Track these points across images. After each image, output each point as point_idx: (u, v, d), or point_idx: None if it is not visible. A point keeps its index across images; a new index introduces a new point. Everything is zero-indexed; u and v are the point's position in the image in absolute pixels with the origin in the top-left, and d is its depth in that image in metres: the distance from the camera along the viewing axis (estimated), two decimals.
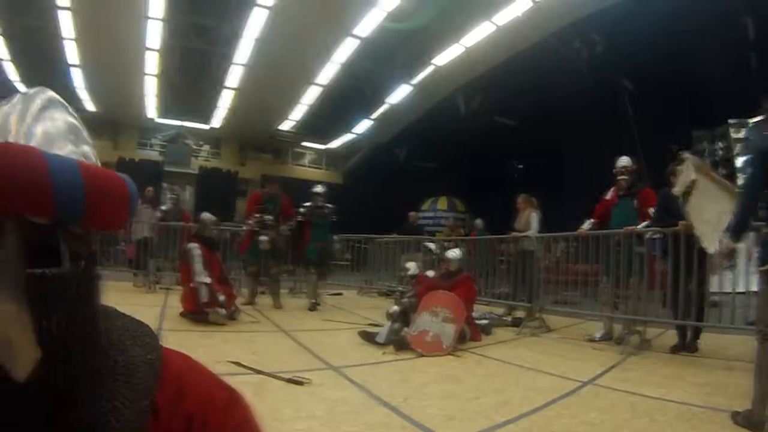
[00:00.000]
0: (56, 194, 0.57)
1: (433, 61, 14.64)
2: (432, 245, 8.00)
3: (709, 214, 4.58)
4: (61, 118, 0.66)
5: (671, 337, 5.62)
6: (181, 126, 20.30)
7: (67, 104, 0.70)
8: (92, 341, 0.63)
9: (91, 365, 0.62)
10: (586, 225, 6.55)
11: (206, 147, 22.19)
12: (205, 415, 0.72)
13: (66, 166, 0.59)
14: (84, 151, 0.65)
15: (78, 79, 16.73)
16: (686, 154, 4.99)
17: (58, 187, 0.57)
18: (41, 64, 15.75)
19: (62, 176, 0.58)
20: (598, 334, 6.10)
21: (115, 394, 0.65)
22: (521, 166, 18.94)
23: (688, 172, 4.71)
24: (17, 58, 15.51)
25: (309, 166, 24.04)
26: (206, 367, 0.80)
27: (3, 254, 0.54)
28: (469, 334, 5.73)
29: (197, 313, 5.83)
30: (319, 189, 8.52)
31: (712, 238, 4.46)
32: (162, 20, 13.33)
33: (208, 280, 5.97)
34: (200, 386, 0.76)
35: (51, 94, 0.68)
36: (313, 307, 7.78)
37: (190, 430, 0.70)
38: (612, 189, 6.44)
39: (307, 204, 8.33)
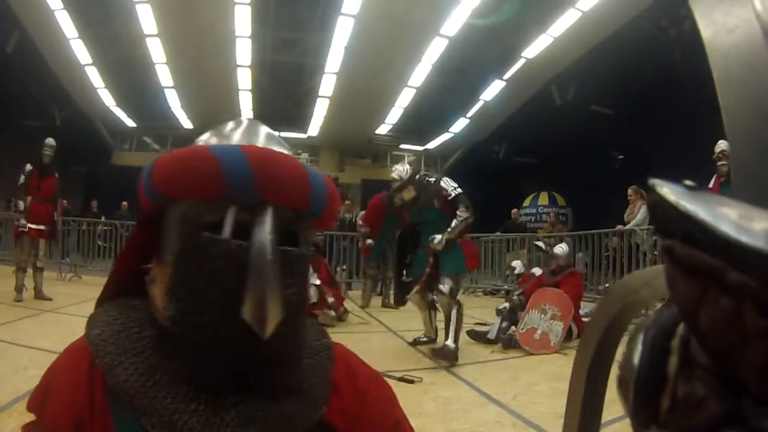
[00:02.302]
0: (311, 193, 0.74)
1: (523, 54, 14.38)
2: (541, 243, 7.86)
3: None
4: (268, 131, 0.84)
5: None
6: (279, 136, 21.03)
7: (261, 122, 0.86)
8: (305, 314, 0.78)
9: (302, 334, 0.78)
10: None
11: (305, 155, 22.81)
12: (369, 390, 0.86)
13: (316, 174, 0.76)
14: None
15: (173, 99, 17.60)
16: None
17: (313, 189, 0.74)
18: (136, 90, 16.77)
19: (315, 181, 0.75)
20: None
21: (306, 366, 0.79)
22: (621, 157, 18.14)
23: None
24: (112, 86, 16.47)
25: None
26: (352, 351, 0.95)
27: (269, 231, 0.68)
28: (577, 331, 5.62)
29: (306, 315, 6.00)
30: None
31: None
32: (249, 37, 13.82)
33: (317, 281, 6.15)
34: (362, 366, 0.91)
35: (250, 117, 0.86)
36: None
37: (364, 403, 0.83)
38: (714, 177, 6.06)
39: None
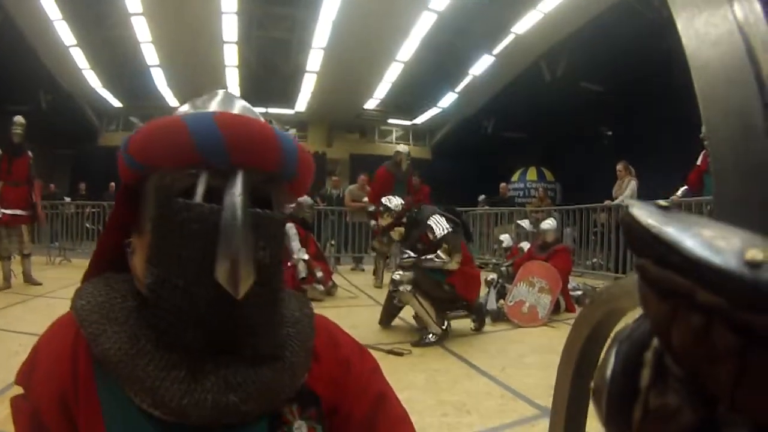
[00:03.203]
0: (282, 156, 0.75)
1: (512, 29, 14.30)
2: (524, 223, 7.88)
3: None
4: (243, 103, 0.83)
5: None
6: (266, 113, 20.83)
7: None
8: (281, 278, 0.78)
9: (279, 298, 0.78)
10: (680, 192, 6.30)
11: (293, 131, 22.59)
12: (353, 360, 0.88)
13: (287, 137, 0.76)
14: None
15: (159, 78, 17.43)
16: None
17: (285, 151, 0.75)
18: (122, 69, 16.56)
19: (286, 144, 0.75)
20: None
21: (286, 335, 0.80)
22: (610, 133, 18.18)
23: None
24: (97, 66, 16.25)
25: (396, 143, 24.06)
26: (336, 323, 0.96)
27: (239, 193, 0.69)
28: (564, 304, 5.70)
29: (295, 289, 6.00)
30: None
31: None
32: (236, 13, 13.64)
33: (306, 256, 6.20)
34: (345, 337, 0.93)
35: (225, 90, 0.86)
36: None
37: (347, 373, 0.85)
38: (702, 154, 6.12)
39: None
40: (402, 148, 8.26)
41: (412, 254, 4.41)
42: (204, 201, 0.70)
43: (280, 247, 0.77)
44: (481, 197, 13.06)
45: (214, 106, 0.79)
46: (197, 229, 0.69)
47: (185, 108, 0.82)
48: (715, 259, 0.22)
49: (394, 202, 4.85)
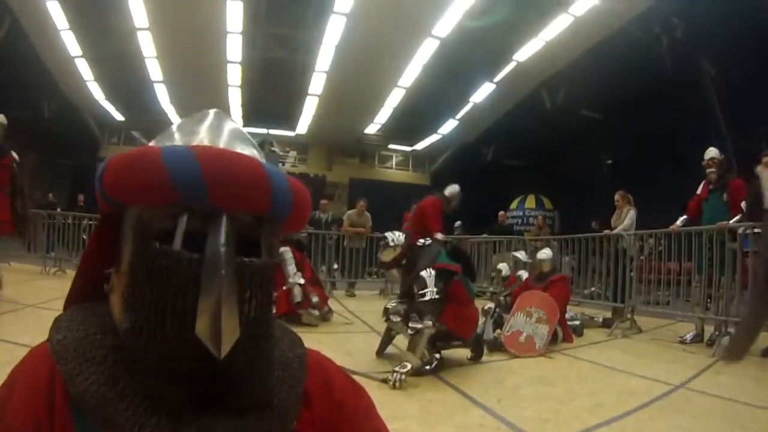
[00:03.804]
0: (272, 197, 0.69)
1: (514, 57, 14.43)
2: (520, 254, 7.82)
3: None
4: (234, 126, 0.78)
5: (765, 339, 5.28)
6: (267, 134, 20.94)
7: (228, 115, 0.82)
8: (270, 326, 0.72)
9: (267, 348, 0.72)
10: (679, 222, 6.30)
11: (293, 153, 22.77)
12: (346, 400, 0.83)
13: (278, 175, 0.71)
14: (254, 153, 0.76)
15: (162, 94, 17.59)
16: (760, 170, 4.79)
17: (275, 192, 0.70)
18: (126, 82, 16.73)
19: (277, 183, 0.70)
20: (689, 336, 5.85)
21: (276, 379, 0.75)
22: (610, 162, 18.27)
23: None
24: (101, 79, 16.42)
25: (396, 169, 24.18)
26: (330, 360, 0.91)
27: (222, 243, 0.64)
28: (562, 335, 5.64)
29: (290, 314, 5.93)
30: None
31: None
32: (241, 34, 13.81)
33: (301, 280, 6.14)
34: (339, 376, 0.87)
35: (216, 110, 0.81)
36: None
37: (340, 414, 0.81)
38: (703, 183, 6.14)
39: None
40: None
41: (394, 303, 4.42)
42: (184, 246, 0.65)
43: (269, 295, 0.71)
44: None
45: (203, 129, 0.75)
46: (176, 279, 0.63)
47: (173, 129, 0.77)
48: None
49: (397, 238, 4.72)
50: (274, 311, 0.75)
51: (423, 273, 4.22)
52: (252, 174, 0.68)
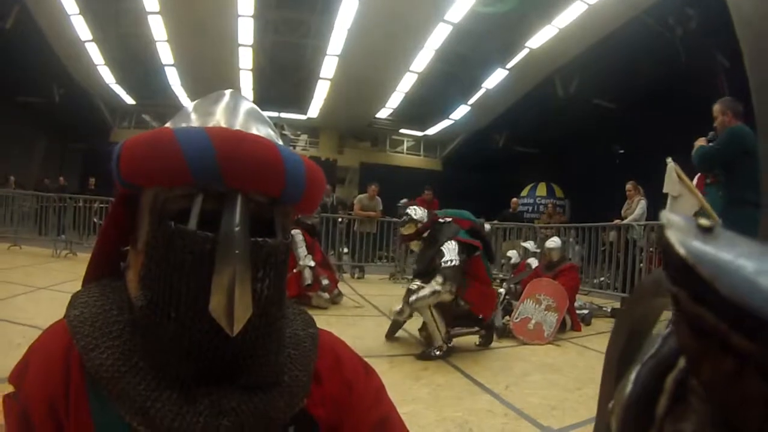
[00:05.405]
0: (286, 178, 0.70)
1: (527, 44, 14.31)
2: (528, 245, 7.78)
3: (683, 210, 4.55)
4: (250, 106, 0.79)
5: None
6: (279, 117, 20.91)
7: (245, 96, 0.83)
8: (282, 305, 0.75)
9: (279, 326, 0.74)
10: None
11: (304, 137, 22.73)
12: (357, 381, 0.84)
13: (293, 156, 0.72)
14: (270, 133, 0.77)
15: (173, 77, 17.56)
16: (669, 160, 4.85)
17: (289, 174, 0.70)
18: (136, 66, 16.73)
19: (291, 165, 0.71)
20: None
21: (286, 357, 0.77)
22: (622, 151, 18.10)
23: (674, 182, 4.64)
24: (112, 63, 16.39)
25: (407, 153, 24.08)
26: (343, 341, 0.92)
27: (236, 223, 0.65)
28: (570, 323, 5.65)
29: (300, 296, 5.95)
30: None
31: None
32: (252, 17, 13.75)
33: (312, 263, 6.17)
34: (351, 356, 0.89)
35: (232, 90, 0.81)
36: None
37: (350, 395, 0.82)
38: (698, 176, 6.09)
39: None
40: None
41: (418, 283, 4.36)
42: (200, 226, 0.67)
43: (282, 274, 0.73)
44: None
45: (219, 110, 0.76)
46: (191, 258, 0.65)
47: (189, 110, 0.78)
48: (754, 301, 0.20)
49: (420, 213, 4.75)
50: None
51: (446, 244, 4.31)
52: (266, 155, 0.69)
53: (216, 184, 0.67)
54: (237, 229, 0.65)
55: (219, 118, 0.74)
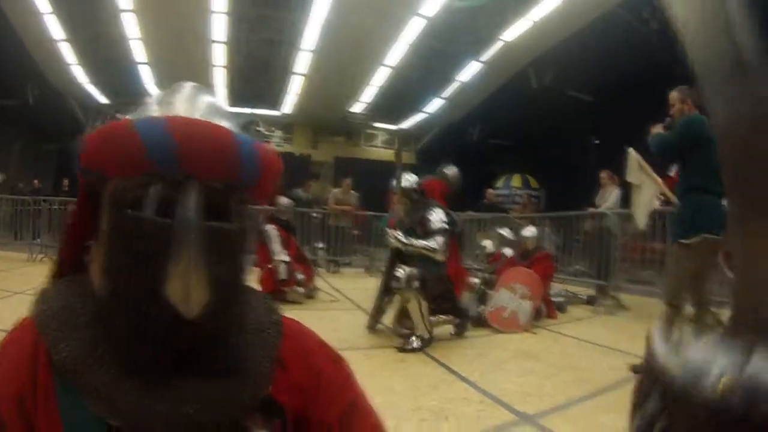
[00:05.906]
0: (242, 165, 0.70)
1: (501, 36, 14.35)
2: (505, 231, 7.81)
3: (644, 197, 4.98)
4: (210, 99, 0.79)
5: None
6: (252, 114, 20.74)
7: (207, 88, 0.83)
8: (242, 290, 0.76)
9: (239, 312, 0.75)
10: (658, 203, 6.33)
11: (278, 133, 22.58)
12: (326, 368, 0.85)
13: (248, 143, 0.72)
14: (228, 126, 0.76)
15: (147, 76, 17.33)
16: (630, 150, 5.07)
17: (244, 160, 0.70)
18: (110, 65, 16.42)
19: (246, 150, 0.71)
20: None
21: (249, 344, 0.77)
22: (597, 142, 18.28)
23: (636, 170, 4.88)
24: (85, 62, 16.14)
25: (382, 147, 24.04)
26: (310, 329, 0.92)
27: (191, 208, 0.65)
28: (546, 310, 5.69)
29: (275, 292, 5.87)
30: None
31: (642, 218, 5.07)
32: (226, 13, 13.60)
33: (287, 258, 6.16)
34: (319, 344, 0.89)
35: (193, 83, 0.81)
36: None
37: (318, 381, 0.82)
38: (674, 167, 6.18)
39: None
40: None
41: (401, 236, 4.53)
42: (156, 213, 0.67)
43: (239, 259, 0.74)
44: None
45: (179, 101, 0.76)
46: (148, 245, 0.66)
47: (150, 102, 0.78)
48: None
49: (412, 179, 4.92)
50: (260, 288, 0.76)
51: (435, 209, 4.62)
52: (221, 141, 0.70)
53: (173, 169, 0.67)
54: (192, 214, 0.65)
55: (179, 108, 0.74)
